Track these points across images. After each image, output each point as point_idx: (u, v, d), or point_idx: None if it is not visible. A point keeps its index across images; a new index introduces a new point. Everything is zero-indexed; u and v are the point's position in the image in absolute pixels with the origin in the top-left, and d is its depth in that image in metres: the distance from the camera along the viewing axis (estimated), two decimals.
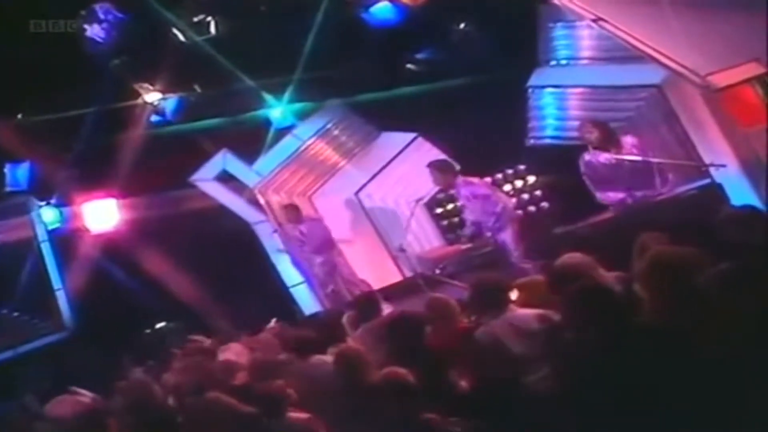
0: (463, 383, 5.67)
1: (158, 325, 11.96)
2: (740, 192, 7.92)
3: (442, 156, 10.80)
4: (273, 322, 9.31)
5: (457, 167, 10.39)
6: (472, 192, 9.69)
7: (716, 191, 7.79)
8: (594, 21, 7.41)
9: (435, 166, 9.94)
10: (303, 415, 5.96)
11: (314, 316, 11.26)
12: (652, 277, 4.42)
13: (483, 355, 5.57)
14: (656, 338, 4.20)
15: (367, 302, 7.42)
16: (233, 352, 7.52)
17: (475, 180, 9.89)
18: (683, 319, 4.12)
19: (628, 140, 8.94)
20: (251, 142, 12.47)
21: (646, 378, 4.09)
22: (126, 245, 11.85)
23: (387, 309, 10.15)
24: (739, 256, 4.41)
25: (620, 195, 8.90)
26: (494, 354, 5.46)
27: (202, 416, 6.34)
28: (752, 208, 5.76)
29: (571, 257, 5.43)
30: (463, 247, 9.93)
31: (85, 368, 9.84)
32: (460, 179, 9.85)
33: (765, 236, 4.80)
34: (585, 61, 10.53)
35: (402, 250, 9.98)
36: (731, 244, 4.93)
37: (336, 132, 12.70)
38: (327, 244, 11.27)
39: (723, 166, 8.05)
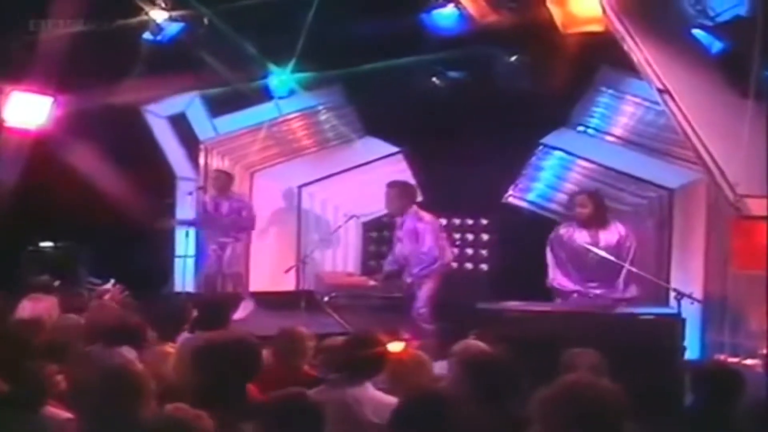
0: None
1: (43, 244, 10.54)
2: (692, 330, 7.41)
3: (410, 180, 9.85)
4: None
5: (419, 198, 9.36)
6: (416, 228, 8.64)
7: (676, 325, 6.78)
8: (660, 90, 6.68)
9: (396, 186, 8.91)
10: (64, 415, 4.61)
11: (171, 296, 9.89)
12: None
13: None
14: None
15: (211, 307, 6.13)
16: (43, 307, 6.10)
17: (427, 217, 8.78)
18: None
19: (620, 228, 8.10)
20: (229, 94, 11.05)
21: None
22: (40, 148, 10.38)
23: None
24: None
25: (573, 287, 8.02)
26: None
27: None
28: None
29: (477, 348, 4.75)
30: (370, 282, 8.88)
31: None
32: (413, 209, 8.79)
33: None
34: (613, 138, 9.90)
35: (303, 261, 9.18)
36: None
37: (322, 117, 11.50)
38: (235, 227, 9.93)
39: (698, 300, 7.37)
